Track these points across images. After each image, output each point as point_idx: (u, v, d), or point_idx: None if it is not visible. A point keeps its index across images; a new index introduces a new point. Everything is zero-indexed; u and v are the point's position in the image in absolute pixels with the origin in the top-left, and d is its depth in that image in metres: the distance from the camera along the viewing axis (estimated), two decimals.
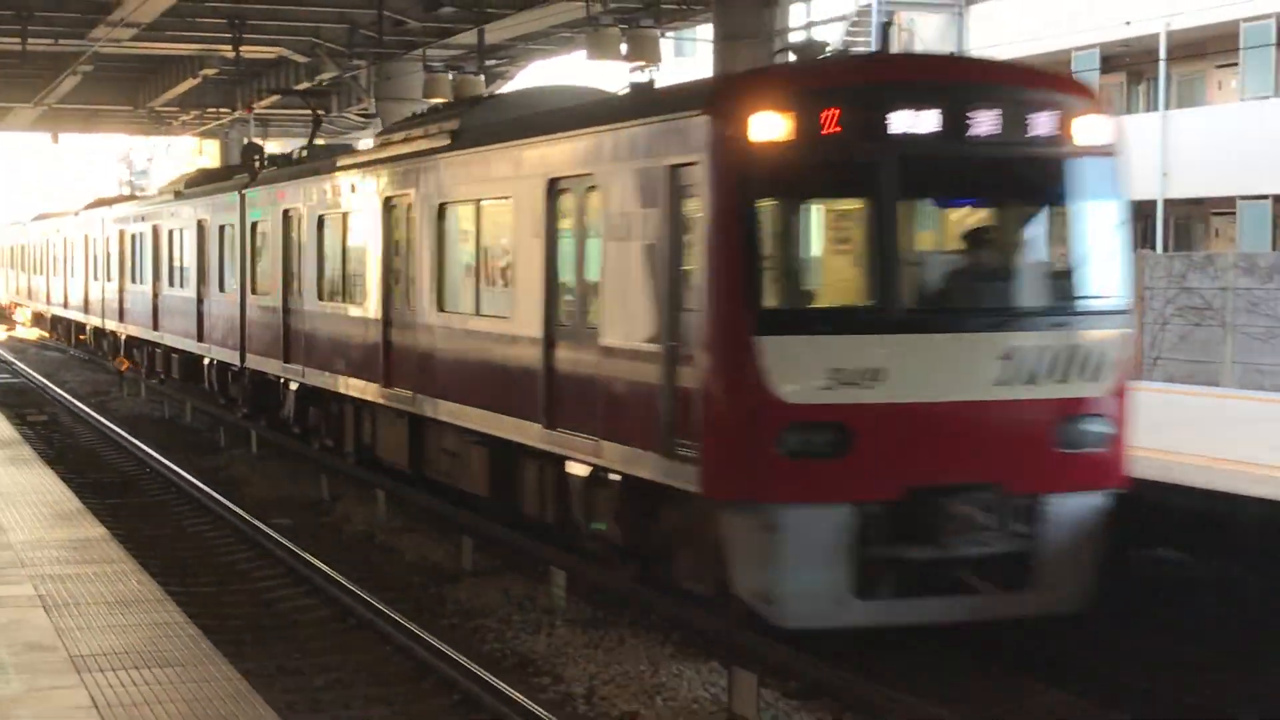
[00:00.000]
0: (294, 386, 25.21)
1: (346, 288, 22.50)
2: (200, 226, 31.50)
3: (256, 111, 49.16)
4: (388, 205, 20.47)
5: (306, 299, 24.19)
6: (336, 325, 22.69)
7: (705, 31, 32.96)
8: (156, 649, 10.64)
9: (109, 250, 42.48)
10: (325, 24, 36.91)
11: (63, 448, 27.16)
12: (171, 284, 34.63)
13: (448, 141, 18.72)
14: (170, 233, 34.71)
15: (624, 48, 30.31)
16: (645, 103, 14.62)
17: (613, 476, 14.23)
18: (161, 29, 35.75)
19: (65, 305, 52.02)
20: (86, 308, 47.09)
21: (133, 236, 39.26)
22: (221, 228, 29.80)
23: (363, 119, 46.36)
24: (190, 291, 32.28)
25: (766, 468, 12.13)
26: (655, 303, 13.17)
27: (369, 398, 21.04)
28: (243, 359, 28.07)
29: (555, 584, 14.98)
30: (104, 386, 38.77)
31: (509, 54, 40.57)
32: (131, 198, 49.25)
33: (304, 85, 38.46)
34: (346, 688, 12.40)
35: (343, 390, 22.29)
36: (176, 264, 34.17)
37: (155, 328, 36.29)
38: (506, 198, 16.67)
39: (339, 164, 23.07)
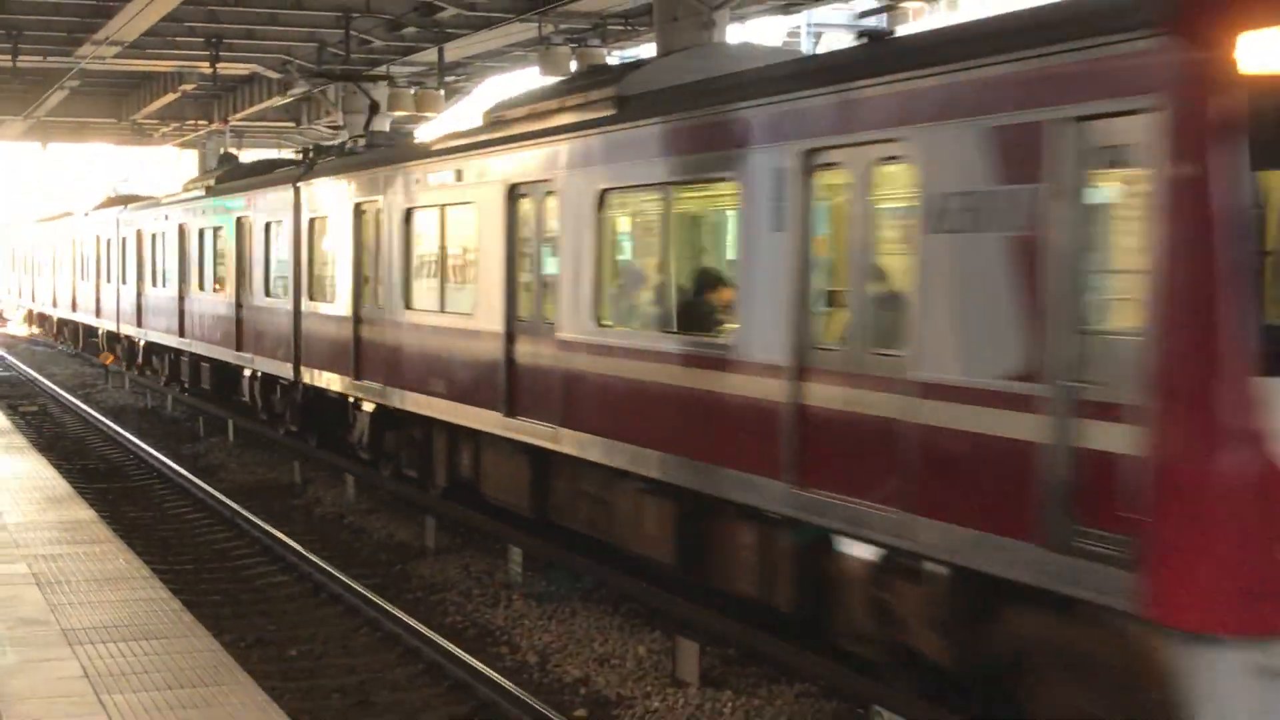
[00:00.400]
0: (368, 408, 20.09)
1: (447, 295, 17.23)
2: (239, 224, 26.34)
3: (232, 124, 48.88)
4: (512, 195, 15.22)
5: (389, 307, 18.79)
6: (433, 340, 17.39)
7: (649, 50, 32.97)
8: (142, 622, 10.60)
9: (124, 251, 37.69)
10: (296, 43, 36.71)
11: (53, 436, 26.97)
12: (202, 287, 29.25)
13: (609, 112, 13.66)
14: (201, 232, 29.36)
15: (573, 65, 30.37)
16: (1019, 27, 9.05)
17: (930, 567, 9.48)
18: (144, 47, 35.45)
19: (74, 309, 46.94)
20: (98, 311, 42.04)
21: (153, 236, 34.13)
22: (267, 225, 24.60)
23: (331, 130, 46.21)
24: (226, 296, 27.05)
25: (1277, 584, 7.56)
26: (1031, 323, 8.45)
27: (480, 427, 15.99)
28: (297, 373, 22.94)
29: (512, 560, 14.97)
30: (90, 379, 38.50)
31: (466, 71, 40.42)
32: (131, 198, 43.56)
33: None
34: (318, 657, 12.39)
35: (439, 416, 17.20)
36: (209, 265, 28.94)
37: (181, 334, 30.95)
38: (720, 178, 11.82)
39: (435, 149, 17.87)
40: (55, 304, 51.70)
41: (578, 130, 14.00)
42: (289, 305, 23.23)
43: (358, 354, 19.98)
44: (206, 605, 13.78)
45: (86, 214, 45.64)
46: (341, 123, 40.34)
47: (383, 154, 20.75)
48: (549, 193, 14.50)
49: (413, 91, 36.15)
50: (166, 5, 27.90)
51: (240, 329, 26.17)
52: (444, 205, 17.30)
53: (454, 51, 35.20)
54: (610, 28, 31.99)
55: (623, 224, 14.03)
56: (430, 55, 35.17)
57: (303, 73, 34.17)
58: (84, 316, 45.27)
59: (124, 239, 37.84)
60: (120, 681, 9.12)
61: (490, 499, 16.45)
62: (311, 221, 22.48)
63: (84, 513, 15.28)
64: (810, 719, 10.51)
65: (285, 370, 23.53)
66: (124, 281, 37.69)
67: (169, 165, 70.70)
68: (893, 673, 10.42)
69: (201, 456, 24.29)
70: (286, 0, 31.64)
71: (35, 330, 59.04)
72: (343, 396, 21.18)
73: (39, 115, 48.50)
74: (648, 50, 31.23)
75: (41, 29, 34.19)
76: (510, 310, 15.26)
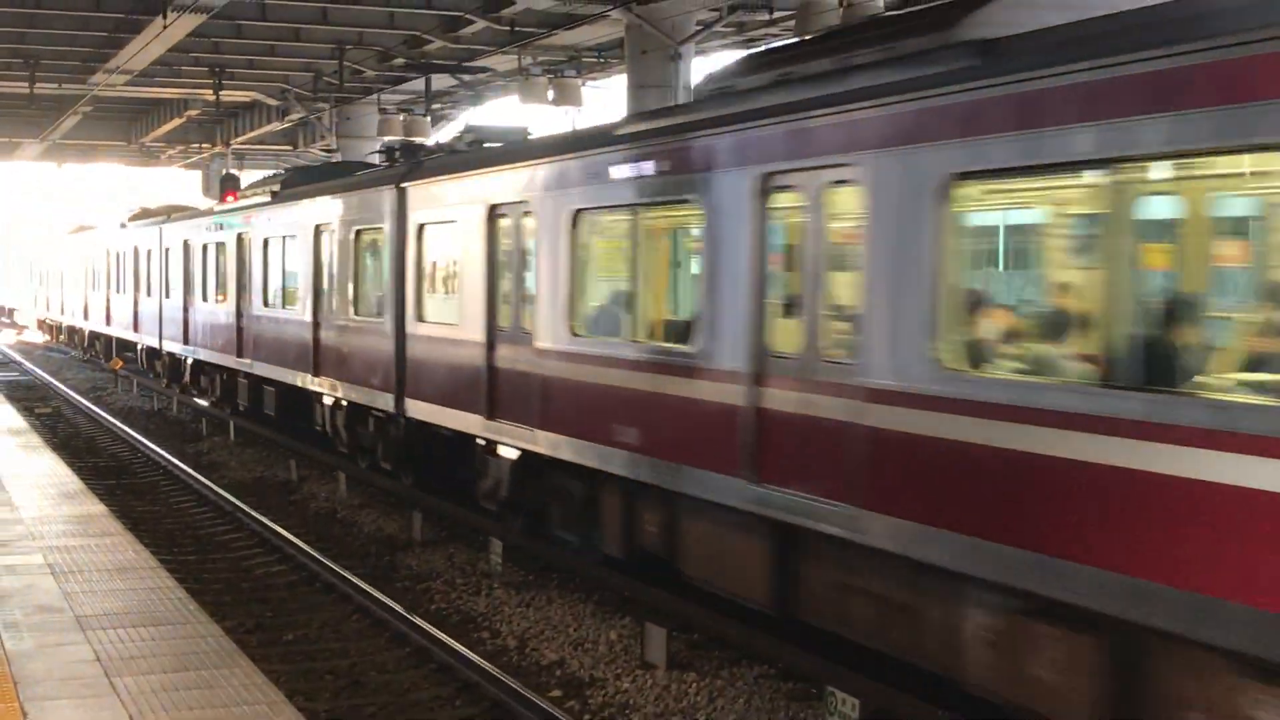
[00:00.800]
0: (508, 454, 15.12)
1: (641, 320, 12.55)
2: (318, 233, 21.60)
3: (234, 147, 48.77)
4: (764, 190, 10.50)
5: (545, 333, 13.89)
6: (616, 375, 12.53)
7: (620, 80, 33.00)
8: (150, 610, 10.54)
9: (167, 264, 32.95)
10: (294, 72, 36.69)
11: (66, 436, 26.81)
12: (267, 303, 24.49)
13: (958, 64, 8.89)
14: (266, 242, 24.52)
15: (550, 94, 30.39)
16: None
17: None
18: (152, 76, 35.38)
19: (108, 322, 41.76)
20: (135, 326, 37.24)
21: (204, 247, 29.21)
22: (357, 233, 19.91)
23: (325, 153, 46.19)
24: (300, 314, 22.29)
25: None
26: None
27: (701, 494, 11.27)
28: (399, 404, 18.09)
29: (493, 552, 14.93)
30: (101, 383, 38.28)
31: (452, 99, 40.45)
32: (175, 208, 38.24)
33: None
34: (313, 642, 12.34)
35: (626, 474, 12.40)
36: (275, 279, 24.23)
37: (239, 354, 26.01)
38: (1257, 146, 6.91)
39: (624, 133, 12.88)
40: (86, 317, 46.54)
41: (893, 95, 9.19)
42: (388, 325, 18.45)
43: (493, 387, 15.17)
44: (209, 593, 13.71)
45: (123, 224, 40.56)
46: (335, 145, 40.34)
47: (536, 145, 15.70)
48: (839, 181, 9.75)
49: (401, 118, 36.13)
50: (173, 37, 27.81)
51: (317, 351, 21.57)
52: (638, 205, 12.53)
53: (440, 81, 35.21)
54: (584, 60, 32.09)
55: (991, 223, 9.87)
56: (418, 84, 35.19)
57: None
58: (119, 331, 40.19)
59: (167, 250, 33.08)
60: (129, 665, 9.07)
61: (696, 580, 11.89)
62: (421, 228, 17.66)
63: (95, 507, 15.20)
64: (769, 698, 10.51)
65: (381, 400, 18.68)
66: (167, 295, 32.98)
67: (170, 167, 70.15)
68: None
69: (204, 455, 24.18)
70: (285, 33, 31.60)
71: (62, 339, 57.97)
72: (461, 435, 16.39)
73: (54, 138, 48.34)
74: (619, 81, 31.24)
75: (57, 59, 34.09)
76: (758, 341, 10.57)
